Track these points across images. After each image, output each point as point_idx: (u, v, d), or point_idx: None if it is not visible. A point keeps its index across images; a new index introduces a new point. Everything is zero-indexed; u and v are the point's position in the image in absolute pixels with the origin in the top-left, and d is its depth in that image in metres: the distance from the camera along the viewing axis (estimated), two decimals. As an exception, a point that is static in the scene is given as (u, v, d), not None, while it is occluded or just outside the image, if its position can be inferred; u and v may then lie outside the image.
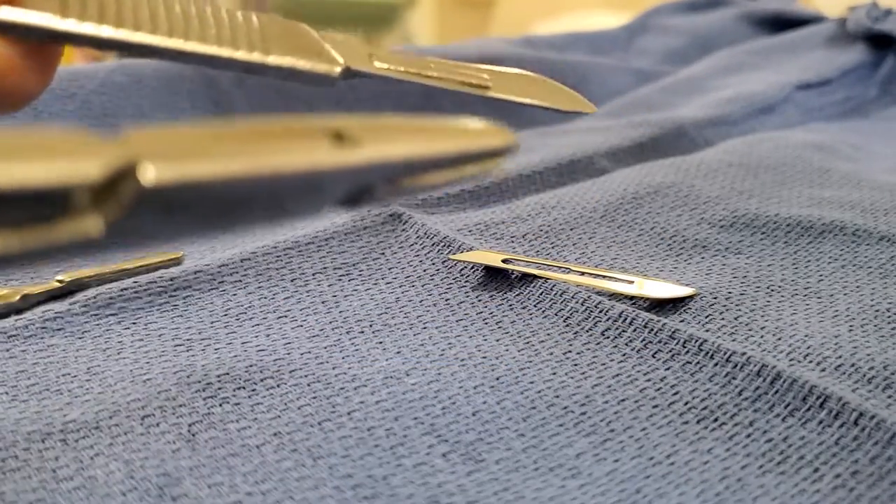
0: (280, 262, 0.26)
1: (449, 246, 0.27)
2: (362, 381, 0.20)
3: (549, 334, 0.22)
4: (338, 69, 0.18)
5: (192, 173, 0.10)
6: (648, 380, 0.20)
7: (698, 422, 0.19)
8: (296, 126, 0.13)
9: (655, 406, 0.19)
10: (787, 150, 0.35)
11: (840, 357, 0.21)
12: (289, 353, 0.22)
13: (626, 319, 0.22)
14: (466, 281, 0.25)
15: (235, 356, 0.22)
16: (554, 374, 0.21)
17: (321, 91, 0.41)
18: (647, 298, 0.24)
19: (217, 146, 0.11)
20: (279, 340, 0.22)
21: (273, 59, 0.18)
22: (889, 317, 0.23)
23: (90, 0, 0.16)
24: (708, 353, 0.21)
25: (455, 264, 0.26)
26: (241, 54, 0.17)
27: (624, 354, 0.21)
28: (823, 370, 0.21)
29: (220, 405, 0.19)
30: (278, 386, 0.20)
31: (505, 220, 0.30)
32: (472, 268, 0.26)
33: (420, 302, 0.24)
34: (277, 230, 0.30)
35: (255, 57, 0.18)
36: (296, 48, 0.18)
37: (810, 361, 0.21)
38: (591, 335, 0.22)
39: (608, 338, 0.22)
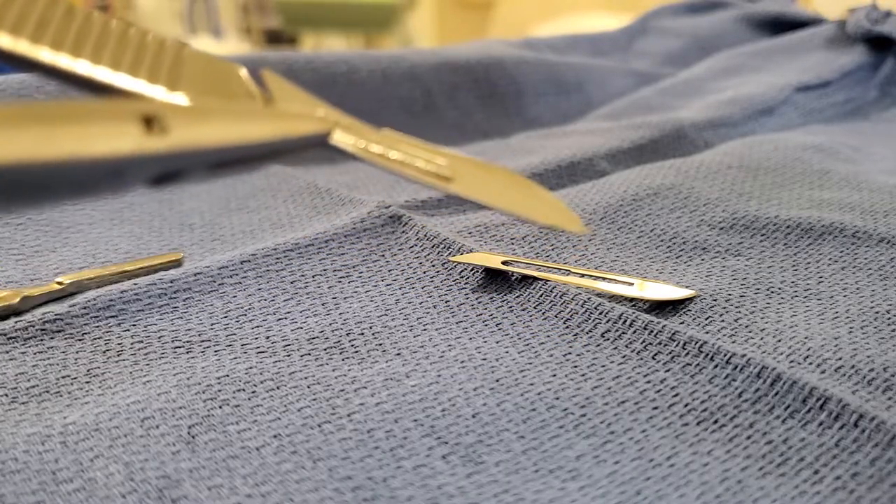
0: (280, 265, 0.26)
1: (449, 248, 0.27)
2: (362, 383, 0.20)
3: (548, 336, 0.22)
4: None
5: None
6: (648, 381, 0.20)
7: (698, 424, 0.19)
8: (104, 109, 0.12)
9: (655, 408, 0.19)
10: (786, 151, 0.35)
11: (840, 359, 0.21)
12: (288, 356, 0.22)
13: (625, 321, 0.22)
14: (466, 283, 0.25)
15: (235, 358, 0.22)
16: (554, 375, 0.21)
17: (323, 89, 0.41)
18: (647, 300, 0.24)
19: (16, 129, 0.11)
20: (279, 342, 0.22)
21: (175, 98, 0.15)
22: (889, 319, 0.23)
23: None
24: (708, 354, 0.21)
25: (455, 266, 0.26)
26: (138, 83, 0.15)
27: (624, 356, 0.21)
28: (823, 372, 0.21)
29: (220, 407, 0.19)
30: (278, 388, 0.20)
31: (505, 222, 0.30)
32: (472, 270, 0.26)
33: (420, 304, 0.24)
34: (277, 232, 0.30)
35: (154, 91, 0.15)
36: (214, 91, 0.16)
37: (810, 363, 0.21)
38: (590, 337, 0.22)
39: (608, 339, 0.22)
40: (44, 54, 0.14)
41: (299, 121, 0.15)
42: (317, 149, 0.16)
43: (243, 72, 0.17)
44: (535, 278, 0.25)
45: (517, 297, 0.24)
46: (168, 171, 0.13)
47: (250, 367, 0.21)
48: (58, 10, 0.15)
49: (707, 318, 0.23)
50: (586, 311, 0.23)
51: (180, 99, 0.15)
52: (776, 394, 0.19)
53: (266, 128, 0.14)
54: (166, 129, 0.12)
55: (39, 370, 0.21)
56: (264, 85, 0.17)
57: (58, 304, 0.23)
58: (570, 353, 0.22)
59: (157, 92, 0.15)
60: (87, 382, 0.21)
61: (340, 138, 0.16)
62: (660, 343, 0.21)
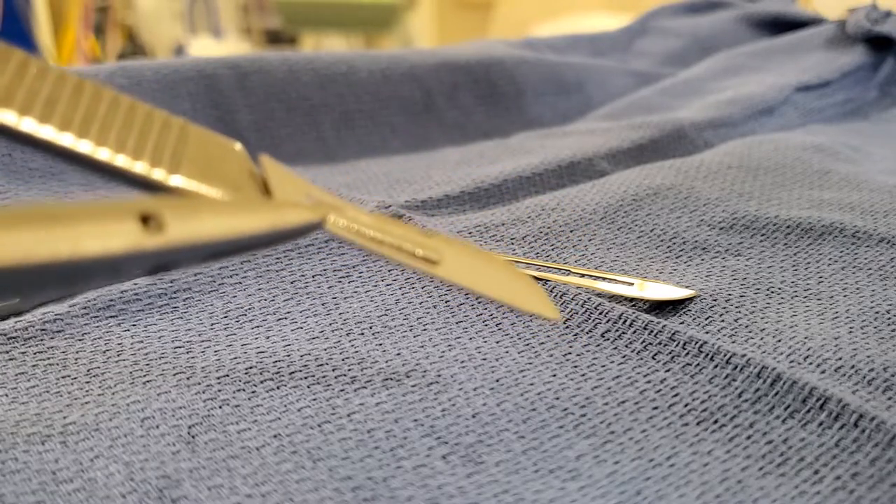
0: (280, 264, 0.26)
1: (449, 248, 0.27)
2: (362, 383, 0.20)
3: (548, 336, 0.22)
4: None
5: None
6: (648, 381, 0.20)
7: (698, 424, 0.19)
8: (102, 208, 0.12)
9: (655, 408, 0.19)
10: (786, 151, 0.35)
11: (840, 359, 0.21)
12: (288, 355, 0.22)
13: (625, 321, 0.22)
14: (466, 283, 0.25)
15: (235, 358, 0.22)
16: (554, 375, 0.21)
17: (322, 91, 0.41)
18: (647, 300, 0.24)
19: (14, 231, 0.11)
20: (279, 342, 0.22)
21: (175, 181, 0.16)
22: (889, 319, 0.23)
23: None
24: (708, 354, 0.21)
25: (455, 266, 0.26)
26: (138, 167, 0.15)
27: (624, 356, 0.21)
28: (823, 372, 0.21)
29: (220, 407, 0.19)
30: (278, 388, 0.20)
31: (505, 222, 0.30)
32: (472, 269, 0.26)
33: (420, 304, 0.24)
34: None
35: (155, 174, 0.15)
36: (213, 174, 0.16)
37: (810, 363, 0.21)
38: (590, 337, 0.22)
39: (608, 339, 0.22)
40: (48, 133, 0.15)
41: (294, 211, 0.16)
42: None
43: (238, 147, 0.17)
44: (535, 278, 0.25)
45: (517, 297, 0.24)
46: (162, 263, 0.13)
47: (250, 367, 0.21)
48: (66, 87, 0.15)
49: (707, 318, 0.23)
50: (586, 311, 0.23)
51: (179, 181, 0.16)
52: (776, 394, 0.19)
53: (261, 220, 0.15)
54: (163, 225, 0.13)
55: (39, 370, 0.21)
56: (260, 166, 0.18)
57: (58, 304, 0.23)
58: (570, 353, 0.22)
59: (157, 175, 0.16)
60: (87, 382, 0.21)
61: (335, 224, 0.17)
62: (660, 343, 0.21)
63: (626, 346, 0.22)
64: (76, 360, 0.21)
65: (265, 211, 0.15)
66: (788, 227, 0.28)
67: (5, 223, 0.11)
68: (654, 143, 0.38)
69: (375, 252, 0.18)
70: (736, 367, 0.20)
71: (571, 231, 0.29)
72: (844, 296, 0.25)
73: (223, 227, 0.14)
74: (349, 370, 0.21)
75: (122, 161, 0.15)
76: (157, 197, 0.14)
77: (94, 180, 0.33)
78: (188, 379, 0.20)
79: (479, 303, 0.24)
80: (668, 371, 0.21)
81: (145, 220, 0.13)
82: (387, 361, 0.22)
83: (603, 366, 0.21)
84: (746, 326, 0.23)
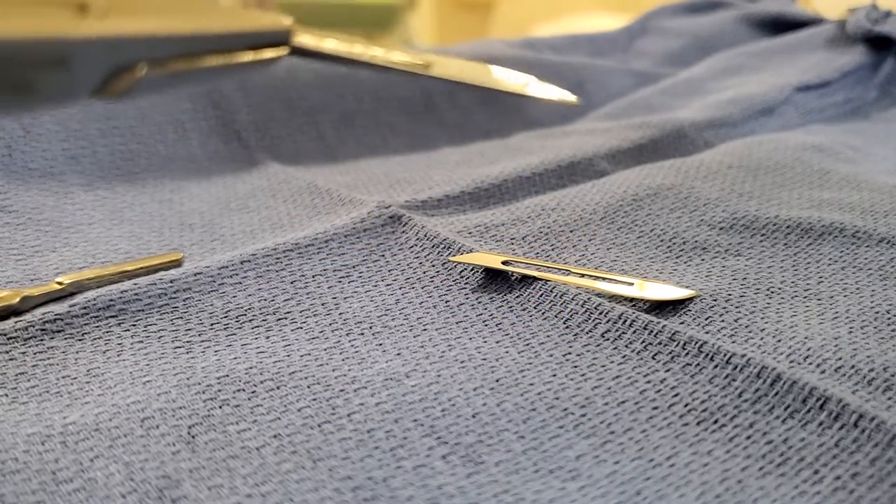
0: (280, 265, 0.26)
1: (449, 248, 0.27)
2: (362, 383, 0.20)
3: (548, 336, 0.22)
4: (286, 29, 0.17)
5: None
6: (648, 381, 0.20)
7: (698, 424, 0.19)
8: None
9: (655, 408, 0.19)
10: (786, 151, 0.35)
11: (840, 359, 0.21)
12: (288, 356, 0.22)
13: (625, 321, 0.22)
14: (466, 283, 0.25)
15: (235, 358, 0.22)
16: (554, 375, 0.21)
17: (322, 91, 0.41)
18: (647, 300, 0.24)
19: None
20: (279, 342, 0.22)
21: (219, 28, 0.15)
22: (889, 319, 0.23)
23: None
24: (708, 354, 0.21)
25: (455, 266, 0.26)
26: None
27: (624, 356, 0.21)
28: (823, 372, 0.21)
29: (220, 407, 0.19)
30: (278, 388, 0.20)
31: (505, 222, 0.30)
32: (472, 270, 0.26)
33: (420, 304, 0.24)
34: (277, 232, 0.30)
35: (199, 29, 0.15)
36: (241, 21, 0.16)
37: (810, 363, 0.21)
38: (590, 337, 0.22)
39: (608, 339, 0.22)
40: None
41: (253, 17, 0.15)
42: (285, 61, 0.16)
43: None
44: (535, 278, 0.25)
45: (517, 297, 0.24)
46: (113, 64, 0.12)
47: (250, 367, 0.21)
48: None
49: (707, 318, 0.23)
50: (586, 311, 0.23)
51: None
52: (776, 394, 0.19)
53: (215, 21, 0.14)
54: (104, 16, 0.12)
55: (39, 370, 0.21)
56: None
57: (58, 304, 0.23)
58: (570, 353, 0.22)
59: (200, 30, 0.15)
60: (87, 382, 0.21)
61: (305, 39, 0.16)
62: (660, 343, 0.21)
63: (626, 346, 0.22)
64: (76, 360, 0.21)
65: (221, 14, 0.14)
66: (788, 227, 0.28)
67: None
68: (654, 143, 0.38)
69: (358, 63, 0.18)
70: (736, 367, 0.20)
71: (571, 231, 0.29)
72: (844, 296, 0.25)
73: (174, 22, 0.13)
74: (349, 370, 0.21)
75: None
76: None
77: (94, 180, 0.33)
78: (188, 379, 0.20)
79: (479, 303, 0.24)
80: (668, 371, 0.21)
81: (83, 8, 0.12)
82: (387, 361, 0.22)
83: (603, 366, 0.21)
84: (746, 326, 0.23)
